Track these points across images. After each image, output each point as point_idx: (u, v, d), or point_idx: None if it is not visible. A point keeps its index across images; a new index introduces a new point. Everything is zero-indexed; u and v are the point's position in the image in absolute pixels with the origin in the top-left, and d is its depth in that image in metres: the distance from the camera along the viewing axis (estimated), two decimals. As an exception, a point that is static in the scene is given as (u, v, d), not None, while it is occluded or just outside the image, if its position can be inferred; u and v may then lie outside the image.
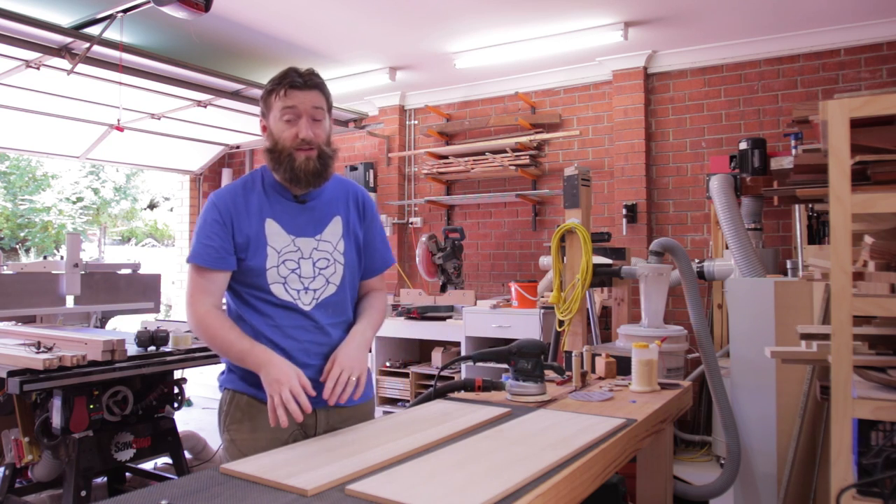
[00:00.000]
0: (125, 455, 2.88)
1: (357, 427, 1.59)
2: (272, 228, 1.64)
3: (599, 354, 2.34)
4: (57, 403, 2.64)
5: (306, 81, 1.61)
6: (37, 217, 12.90)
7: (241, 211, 1.63)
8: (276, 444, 1.49)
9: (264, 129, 1.68)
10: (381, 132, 5.78)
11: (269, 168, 1.67)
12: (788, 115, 4.19)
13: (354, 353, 1.63)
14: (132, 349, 2.93)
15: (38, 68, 3.77)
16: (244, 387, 1.66)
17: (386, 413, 1.81)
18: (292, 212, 1.67)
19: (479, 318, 4.52)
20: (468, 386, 1.95)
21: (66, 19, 3.72)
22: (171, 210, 11.14)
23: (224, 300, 1.72)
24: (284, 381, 1.47)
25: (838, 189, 1.28)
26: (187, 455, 3.72)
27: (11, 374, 2.47)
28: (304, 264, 1.66)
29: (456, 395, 1.96)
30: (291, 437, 1.63)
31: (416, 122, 5.75)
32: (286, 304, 1.65)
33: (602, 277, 3.42)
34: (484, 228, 5.44)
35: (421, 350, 5.23)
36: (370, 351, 1.76)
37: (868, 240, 1.55)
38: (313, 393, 1.51)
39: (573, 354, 2.13)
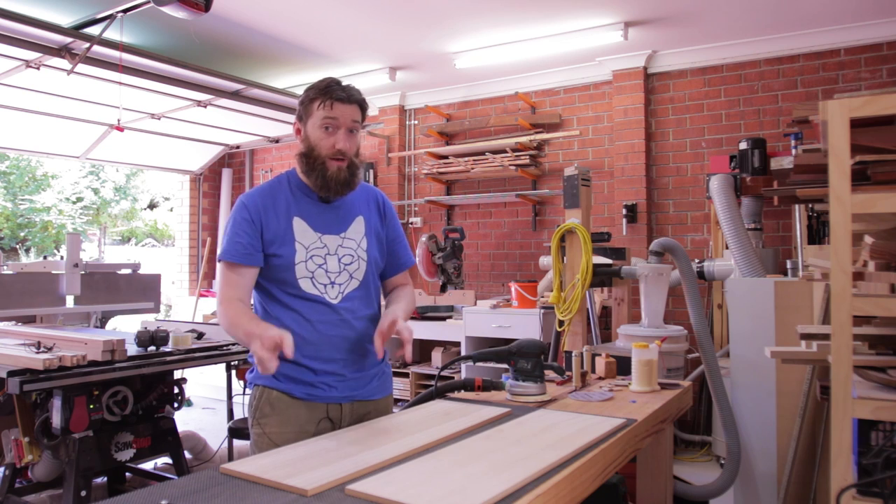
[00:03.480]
0: (125, 455, 2.88)
1: (357, 427, 1.59)
2: (299, 226, 1.73)
3: (599, 354, 2.34)
4: (57, 403, 2.64)
5: (349, 96, 1.70)
6: (37, 217, 12.90)
7: (269, 209, 1.71)
8: (304, 437, 1.55)
9: (298, 132, 1.77)
10: (381, 132, 5.78)
11: (300, 171, 1.77)
12: (788, 115, 4.19)
13: (403, 317, 1.71)
14: (132, 349, 2.93)
15: (38, 68, 3.77)
16: (275, 383, 1.72)
17: (386, 413, 1.82)
18: (318, 211, 1.76)
19: (479, 318, 4.52)
20: (468, 386, 1.95)
21: (66, 19, 3.72)
22: (171, 210, 11.14)
23: (251, 301, 1.80)
24: (258, 334, 1.46)
25: (838, 189, 1.28)
26: (187, 455, 3.73)
27: (11, 374, 2.47)
28: (330, 260, 1.74)
29: (456, 394, 1.96)
30: (319, 430, 1.70)
31: (416, 122, 5.75)
32: (313, 298, 1.72)
33: (602, 277, 3.42)
34: (484, 228, 5.45)
35: (421, 350, 5.23)
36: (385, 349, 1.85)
37: (868, 240, 1.55)
38: (288, 352, 1.46)
39: (573, 354, 2.13)
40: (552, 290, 3.40)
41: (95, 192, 13.73)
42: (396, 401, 4.83)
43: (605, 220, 4.89)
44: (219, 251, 1.72)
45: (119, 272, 3.93)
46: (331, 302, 1.73)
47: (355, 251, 1.79)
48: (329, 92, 1.68)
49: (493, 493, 1.09)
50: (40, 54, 3.60)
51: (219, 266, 1.72)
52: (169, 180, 9.88)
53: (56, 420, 2.64)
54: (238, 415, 4.36)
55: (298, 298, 1.71)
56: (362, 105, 1.74)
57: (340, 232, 1.77)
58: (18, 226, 12.94)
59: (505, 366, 1.93)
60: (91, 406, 2.70)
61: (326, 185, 1.71)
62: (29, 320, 3.59)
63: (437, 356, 4.83)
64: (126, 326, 4.84)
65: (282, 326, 1.67)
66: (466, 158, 5.21)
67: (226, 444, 3.75)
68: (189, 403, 5.75)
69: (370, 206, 1.87)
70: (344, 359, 1.74)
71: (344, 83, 1.72)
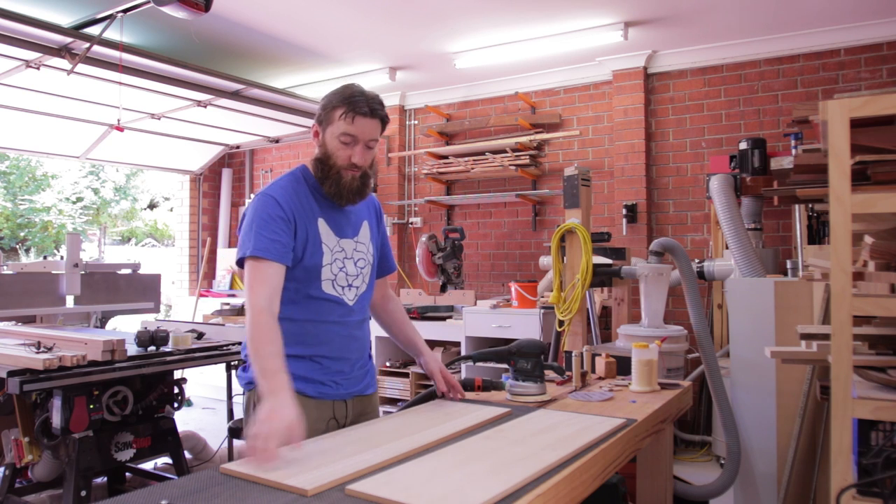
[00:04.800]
0: (125, 455, 2.88)
1: (357, 427, 1.59)
2: (323, 228, 1.75)
3: (599, 354, 2.34)
4: (57, 403, 2.64)
5: (372, 110, 1.68)
6: (37, 217, 12.90)
7: (298, 208, 1.71)
8: (311, 436, 1.53)
9: (316, 134, 1.75)
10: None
11: (315, 176, 1.76)
12: (788, 115, 4.19)
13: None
14: (132, 349, 2.93)
15: (38, 68, 3.78)
16: None
17: (386, 413, 1.83)
18: (336, 214, 1.79)
19: (479, 318, 4.52)
20: (468, 386, 1.95)
21: (66, 19, 3.72)
22: (171, 210, 11.14)
23: None
24: (271, 434, 1.29)
25: (838, 189, 1.28)
26: (187, 455, 3.73)
27: (11, 374, 2.47)
28: (348, 264, 1.78)
29: (456, 395, 1.96)
30: (328, 429, 1.71)
31: (416, 122, 5.75)
32: (331, 299, 1.74)
33: (602, 277, 3.42)
34: (484, 228, 5.44)
35: (421, 350, 5.22)
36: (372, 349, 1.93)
37: (868, 240, 1.55)
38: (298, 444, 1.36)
39: (573, 354, 2.13)
40: (552, 290, 3.40)
41: (95, 192, 13.74)
42: (396, 401, 4.84)
43: (605, 220, 4.89)
44: (249, 246, 1.61)
45: (119, 272, 3.93)
46: (347, 303, 1.77)
47: (366, 255, 1.84)
48: (353, 104, 1.65)
49: (492, 494, 1.09)
50: (40, 54, 3.60)
51: (251, 263, 1.61)
52: (169, 180, 9.88)
53: (56, 420, 2.64)
54: (238, 415, 4.36)
55: (316, 299, 1.72)
56: (384, 120, 1.72)
57: (354, 236, 1.82)
58: (18, 226, 12.93)
59: (505, 366, 1.94)
60: (91, 406, 2.70)
61: (340, 192, 1.73)
62: (29, 320, 3.59)
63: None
64: (126, 326, 4.84)
65: (299, 327, 1.70)
66: (466, 158, 5.21)
67: (226, 444, 3.75)
68: (189, 403, 5.75)
69: (371, 212, 1.92)
70: (352, 357, 1.79)
71: (368, 94, 1.69)
